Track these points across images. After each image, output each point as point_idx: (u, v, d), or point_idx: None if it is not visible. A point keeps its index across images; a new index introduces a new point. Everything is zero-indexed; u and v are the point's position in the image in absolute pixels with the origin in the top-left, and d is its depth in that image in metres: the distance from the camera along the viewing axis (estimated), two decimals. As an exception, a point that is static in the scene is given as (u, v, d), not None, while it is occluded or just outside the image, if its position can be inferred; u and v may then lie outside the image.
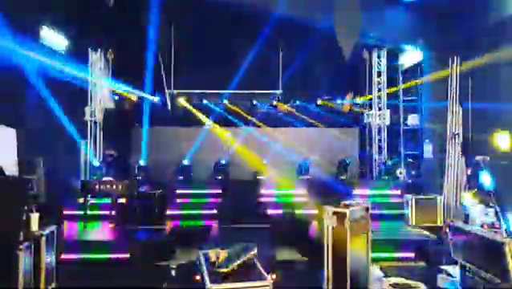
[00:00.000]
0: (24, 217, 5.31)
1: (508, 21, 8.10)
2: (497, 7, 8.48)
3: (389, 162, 11.92)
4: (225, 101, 13.20)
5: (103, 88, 12.31)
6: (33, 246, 4.97)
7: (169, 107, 13.61)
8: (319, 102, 13.24)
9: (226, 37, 12.68)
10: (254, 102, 13.22)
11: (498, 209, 7.56)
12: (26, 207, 5.68)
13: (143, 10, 11.89)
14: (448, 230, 5.54)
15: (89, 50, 12.03)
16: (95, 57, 12.15)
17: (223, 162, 11.82)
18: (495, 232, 6.72)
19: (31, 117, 9.71)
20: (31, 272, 4.88)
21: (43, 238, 5.14)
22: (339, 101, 13.17)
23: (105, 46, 12.26)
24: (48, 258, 5.31)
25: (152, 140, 12.24)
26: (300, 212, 9.45)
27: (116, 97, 12.93)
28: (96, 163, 11.60)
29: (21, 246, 4.65)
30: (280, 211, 9.53)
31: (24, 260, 4.66)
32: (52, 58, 10.43)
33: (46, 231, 5.32)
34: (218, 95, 13.37)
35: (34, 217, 5.33)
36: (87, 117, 11.96)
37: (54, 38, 10.83)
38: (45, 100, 9.83)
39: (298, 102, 13.27)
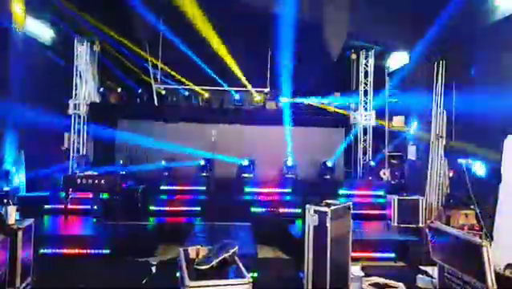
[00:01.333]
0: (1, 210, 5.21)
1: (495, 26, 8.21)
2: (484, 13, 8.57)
3: (373, 163, 12.01)
4: (212, 98, 13.15)
5: (88, 81, 12.15)
6: (9, 240, 4.86)
7: (156, 102, 13.50)
8: (306, 102, 13.26)
9: (215, 34, 12.61)
10: (241, 100, 13.18)
11: (478, 211, 7.68)
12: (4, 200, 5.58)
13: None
14: (427, 231, 5.59)
15: (75, 41, 11.86)
16: (81, 48, 11.98)
17: (208, 159, 11.74)
18: (474, 234, 6.83)
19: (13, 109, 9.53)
20: (7, 266, 4.77)
21: (20, 232, 5.03)
22: (325, 101, 13.19)
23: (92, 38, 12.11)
24: (25, 253, 5.19)
25: (137, 134, 12.10)
26: (283, 210, 9.46)
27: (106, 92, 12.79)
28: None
29: (-4, 240, 4.54)
30: (263, 209, 9.51)
31: (-1, 254, 4.55)
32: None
33: (24, 225, 5.20)
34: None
35: (12, 210, 5.22)
36: (71, 110, 11.79)
37: (38, 28, 10.63)
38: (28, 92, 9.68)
39: (285, 101, 13.26)
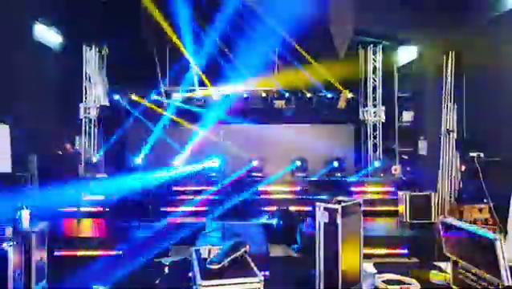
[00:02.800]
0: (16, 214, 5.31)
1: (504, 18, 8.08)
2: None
3: (383, 160, 11.93)
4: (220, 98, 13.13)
5: (97, 85, 12.26)
6: (23, 243, 4.94)
7: (165, 103, 13.55)
8: (315, 99, 13.20)
9: (221, 33, 12.62)
10: (249, 98, 13.16)
11: (492, 205, 7.58)
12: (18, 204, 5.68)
13: (137, 6, 11.86)
14: (440, 226, 5.54)
15: (83, 46, 11.99)
16: (90, 53, 12.10)
17: (218, 159, 11.76)
18: (488, 228, 6.75)
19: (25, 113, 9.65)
20: (21, 269, 4.85)
21: (34, 235, 5.11)
22: (329, 95, 13.08)
23: (100, 42, 12.21)
24: (39, 255, 5.28)
25: (148, 137, 12.18)
26: (294, 209, 9.44)
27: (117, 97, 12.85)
28: (94, 159, 11.62)
29: (11, 243, 4.62)
30: (274, 208, 9.51)
31: (14, 257, 4.63)
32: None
33: (37, 228, 5.29)
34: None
35: (25, 213, 5.31)
36: (82, 114, 11.93)
37: (47, 34, 10.75)
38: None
39: (293, 99, 13.23)
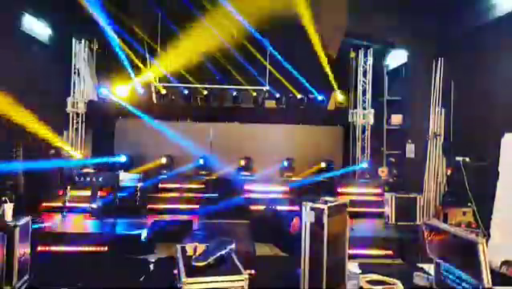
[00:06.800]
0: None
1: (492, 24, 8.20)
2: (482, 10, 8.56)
3: (370, 162, 12.02)
4: (210, 96, 13.11)
5: (86, 79, 12.13)
6: (6, 237, 4.87)
7: (154, 100, 13.48)
8: (305, 100, 13.26)
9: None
10: (240, 98, 13.16)
11: (476, 208, 7.71)
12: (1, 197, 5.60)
13: None
14: (424, 228, 5.61)
15: (73, 39, 11.85)
16: (79, 47, 11.96)
17: (206, 157, 11.73)
18: (472, 231, 6.86)
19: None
20: (4, 264, 4.78)
21: (17, 229, 5.04)
22: (320, 97, 13.16)
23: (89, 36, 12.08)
24: (22, 250, 5.21)
25: (136, 133, 12.12)
26: (282, 208, 9.47)
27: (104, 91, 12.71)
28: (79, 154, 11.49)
29: (-7, 237, 4.56)
30: (262, 207, 9.53)
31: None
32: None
33: (20, 222, 5.22)
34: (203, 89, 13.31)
35: (9, 207, 5.24)
36: (69, 108, 11.79)
37: (36, 26, 10.59)
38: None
39: (283, 99, 13.27)
